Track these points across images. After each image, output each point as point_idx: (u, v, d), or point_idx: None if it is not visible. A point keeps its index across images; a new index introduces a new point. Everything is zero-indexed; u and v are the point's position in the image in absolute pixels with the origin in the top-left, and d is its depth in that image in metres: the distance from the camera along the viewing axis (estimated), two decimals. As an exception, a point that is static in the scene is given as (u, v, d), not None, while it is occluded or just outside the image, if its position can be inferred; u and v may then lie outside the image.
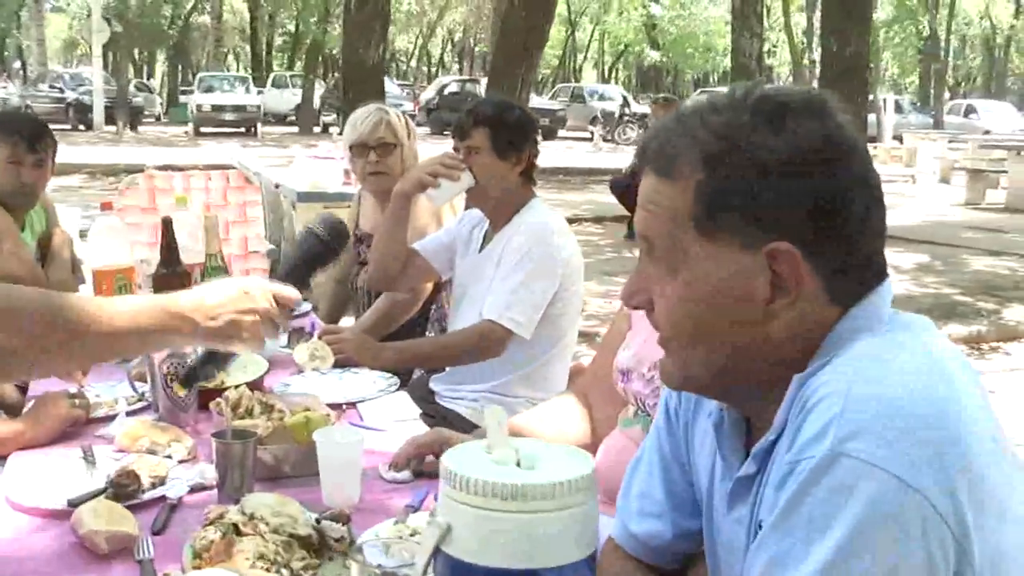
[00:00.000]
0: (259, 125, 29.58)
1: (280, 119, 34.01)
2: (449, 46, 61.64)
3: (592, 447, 2.26)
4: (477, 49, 58.79)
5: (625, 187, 11.65)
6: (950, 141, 22.48)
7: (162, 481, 1.94)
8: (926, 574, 0.97)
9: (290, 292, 1.71)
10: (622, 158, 18.64)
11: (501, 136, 3.07)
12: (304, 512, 1.71)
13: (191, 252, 3.20)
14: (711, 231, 1.12)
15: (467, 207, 3.39)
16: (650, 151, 1.19)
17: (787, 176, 1.09)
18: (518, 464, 1.14)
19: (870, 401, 1.01)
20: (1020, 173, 15.99)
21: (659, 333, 1.22)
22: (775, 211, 1.09)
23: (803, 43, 34.59)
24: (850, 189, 1.11)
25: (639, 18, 41.41)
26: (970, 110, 34.39)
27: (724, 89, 1.22)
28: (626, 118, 31.21)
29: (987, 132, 27.08)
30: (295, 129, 31.06)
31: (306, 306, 3.66)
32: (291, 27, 42.03)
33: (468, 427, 2.92)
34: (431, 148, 4.24)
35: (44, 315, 1.47)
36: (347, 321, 4.20)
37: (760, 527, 1.12)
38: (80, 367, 1.79)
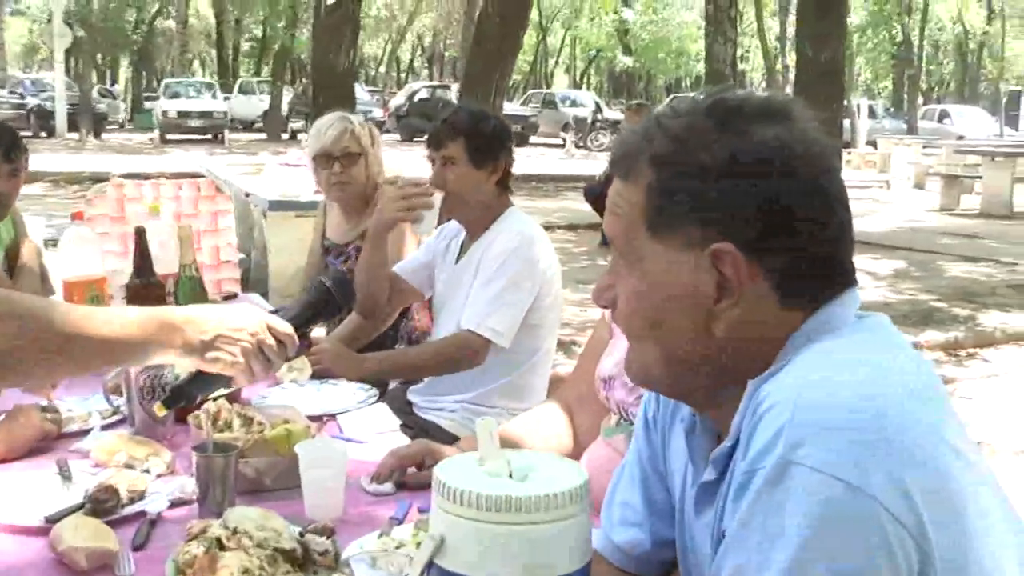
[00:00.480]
0: (226, 132, 29.48)
1: (247, 126, 33.92)
2: (419, 51, 61.65)
3: (574, 456, 2.27)
4: (447, 54, 58.84)
5: (599, 194, 11.67)
6: (924, 146, 22.71)
7: (141, 496, 1.93)
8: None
9: (286, 327, 1.71)
10: (595, 165, 18.74)
11: (477, 146, 3.08)
12: (288, 526, 1.71)
13: (164, 262, 3.19)
14: (660, 231, 1.16)
15: (440, 220, 3.41)
16: (615, 156, 1.24)
17: (732, 178, 1.12)
18: (510, 475, 1.15)
19: (819, 407, 1.02)
20: (995, 179, 16.18)
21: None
22: (718, 212, 1.13)
23: (776, 48, 34.85)
24: (801, 195, 1.13)
25: (611, 23, 41.61)
26: (944, 115, 34.77)
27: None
28: (598, 124, 31.32)
29: (961, 137, 27.40)
30: (263, 136, 30.95)
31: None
32: (258, 32, 41.89)
33: (448, 439, 2.92)
34: (401, 155, 4.27)
35: (41, 317, 1.47)
36: (319, 332, 4.20)
37: (723, 536, 1.13)
38: (70, 374, 1.79)
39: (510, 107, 30.63)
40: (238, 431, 2.12)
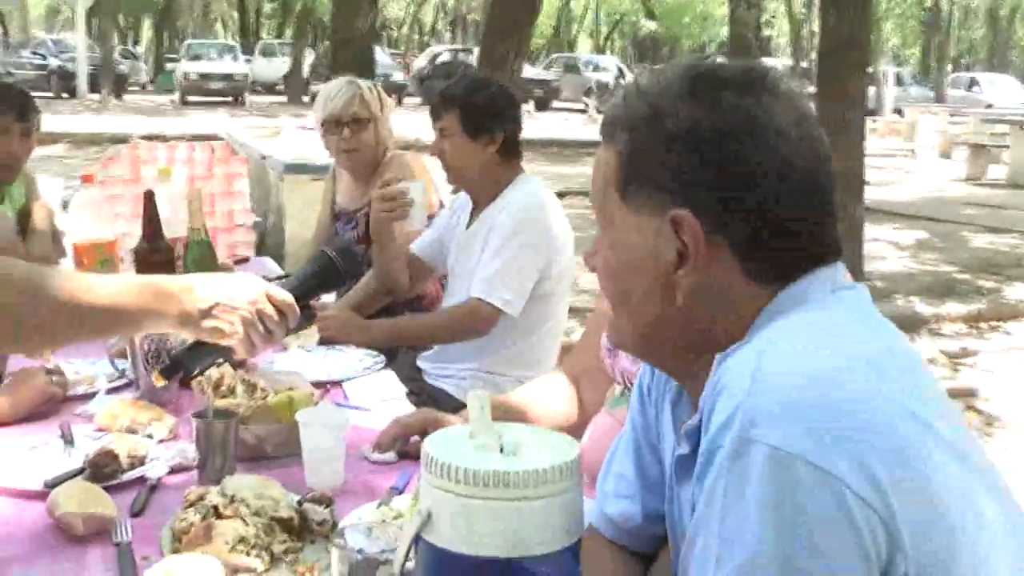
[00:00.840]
0: (247, 94, 29.44)
1: (268, 88, 33.84)
2: (441, 14, 61.29)
3: (580, 427, 2.26)
4: (470, 18, 58.44)
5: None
6: (951, 115, 22.45)
7: (141, 461, 1.93)
8: (857, 557, 0.95)
9: (286, 297, 1.69)
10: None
11: (472, 117, 3.06)
12: (286, 494, 1.71)
13: (175, 225, 3.18)
14: (628, 196, 1.18)
15: (454, 190, 3.38)
16: (604, 119, 1.25)
17: (694, 145, 1.11)
18: (501, 450, 1.14)
19: (778, 383, 1.00)
20: (1023, 148, 15.97)
21: None
22: (679, 179, 1.13)
23: (803, 14, 34.48)
24: (767, 167, 1.11)
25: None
26: (973, 83, 34.29)
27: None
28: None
29: (989, 106, 27.04)
30: (284, 98, 30.90)
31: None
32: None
33: (456, 405, 2.91)
34: (423, 118, 4.21)
35: (36, 284, 1.46)
36: (328, 297, 4.19)
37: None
38: (67, 341, 1.78)
39: (532, 71, 30.53)
40: (241, 397, 2.12)
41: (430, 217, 3.76)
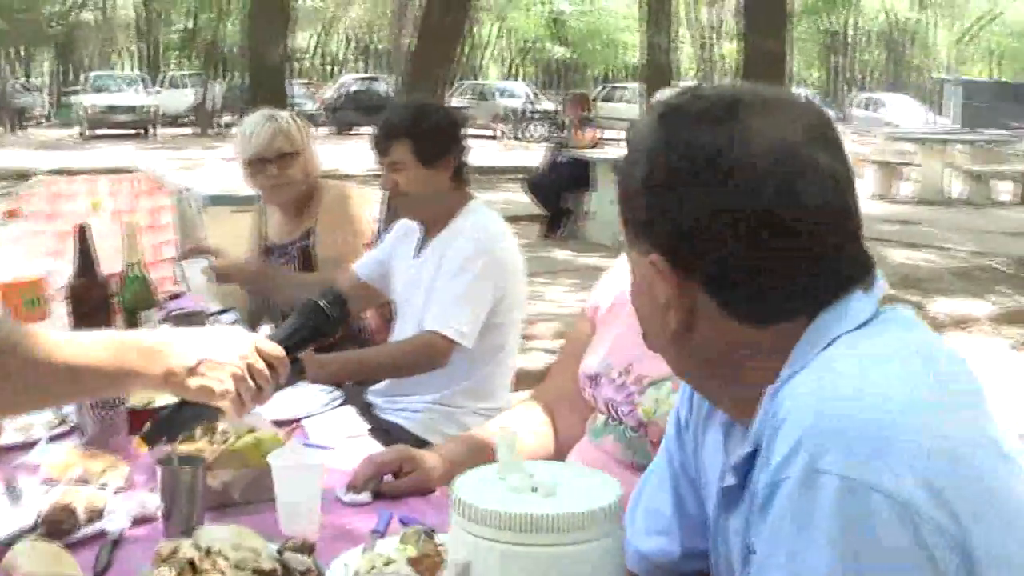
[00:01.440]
0: (155, 126, 28.90)
1: (176, 120, 33.25)
2: (349, 44, 61.11)
3: (557, 457, 2.19)
4: (378, 47, 58.33)
5: (540, 185, 11.67)
6: (856, 134, 22.98)
7: (99, 515, 1.80)
8: None
9: (276, 350, 1.58)
10: (531, 156, 18.62)
11: (424, 145, 2.98)
12: (266, 544, 1.60)
13: (107, 261, 3.04)
14: (627, 237, 1.18)
15: (388, 218, 3.31)
16: None
17: (657, 191, 1.11)
18: (534, 490, 1.06)
19: (839, 412, 0.97)
20: (931, 166, 16.42)
21: None
22: (651, 225, 1.12)
23: (709, 39, 35.10)
24: (738, 203, 1.06)
25: (543, 13, 41.46)
26: (875, 104, 35.25)
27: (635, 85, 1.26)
28: (533, 115, 31.18)
29: (889, 124, 27.79)
30: (191, 130, 30.38)
31: (232, 316, 3.52)
32: (184, 24, 41.13)
33: (412, 441, 2.82)
34: (335, 148, 4.14)
35: (3, 344, 1.33)
36: (265, 329, 4.06)
37: (752, 551, 1.08)
38: (36, 407, 1.62)
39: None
40: (201, 440, 2.00)
41: (366, 245, 3.68)
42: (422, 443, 2.98)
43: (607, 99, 31.91)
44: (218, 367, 1.48)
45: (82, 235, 2.84)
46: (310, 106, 30.52)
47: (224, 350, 1.49)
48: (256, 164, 3.57)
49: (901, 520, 0.92)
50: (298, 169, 3.60)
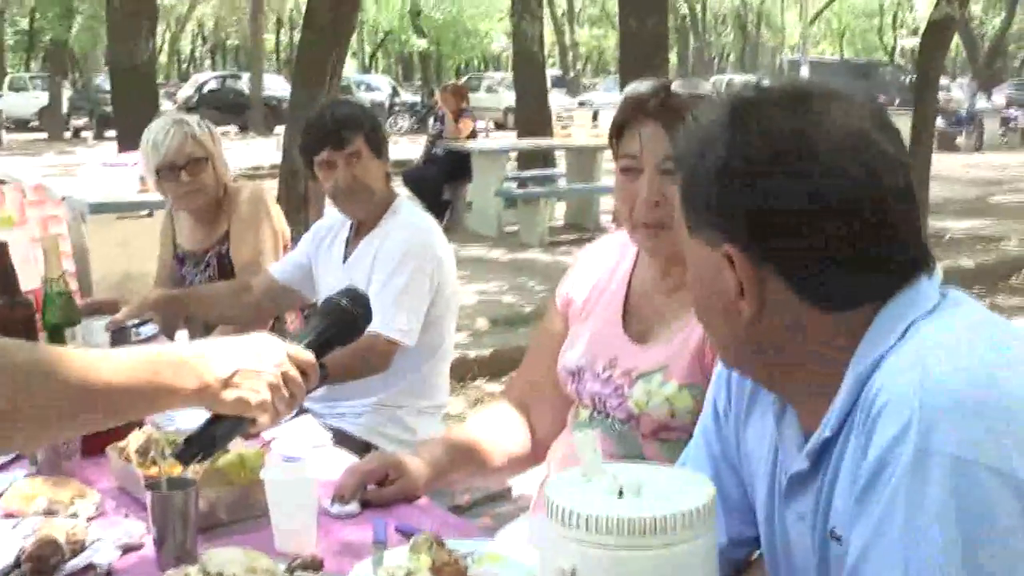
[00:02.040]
0: (1, 132, 27.66)
1: (23, 125, 31.88)
2: (200, 41, 59.70)
3: (532, 456, 2.18)
4: (229, 44, 57.15)
5: (417, 178, 11.60)
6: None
7: (82, 546, 1.70)
8: None
9: (308, 356, 1.52)
10: (399, 149, 18.50)
11: (374, 136, 2.99)
12: (276, 563, 1.55)
13: (25, 278, 2.89)
14: (692, 229, 1.18)
15: (310, 218, 3.24)
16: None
17: (730, 181, 1.11)
18: (620, 493, 1.05)
19: (945, 392, 0.99)
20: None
21: None
22: (724, 216, 1.12)
23: (563, 23, 35.39)
24: (813, 193, 1.08)
25: (399, 4, 41.17)
26: (729, 86, 36.14)
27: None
28: (396, 108, 31.01)
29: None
30: (42, 135, 29.18)
31: (152, 327, 3.39)
32: (25, 24, 39.46)
33: (356, 446, 2.78)
34: None
35: (41, 369, 1.24)
36: (182, 335, 3.94)
37: (835, 536, 1.10)
38: (71, 433, 1.50)
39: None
40: (168, 462, 1.91)
41: (285, 247, 3.60)
42: (366, 447, 2.94)
43: (470, 90, 31.90)
44: (254, 377, 1.42)
45: (1, 252, 2.69)
46: (167, 106, 29.70)
47: (258, 359, 1.43)
48: (166, 172, 3.44)
49: (1016, 497, 0.94)
50: (209, 174, 3.49)
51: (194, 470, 1.84)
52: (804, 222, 1.08)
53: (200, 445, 1.49)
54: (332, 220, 3.27)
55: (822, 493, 1.14)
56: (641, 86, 1.93)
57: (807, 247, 1.09)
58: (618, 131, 1.93)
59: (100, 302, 3.39)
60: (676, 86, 1.89)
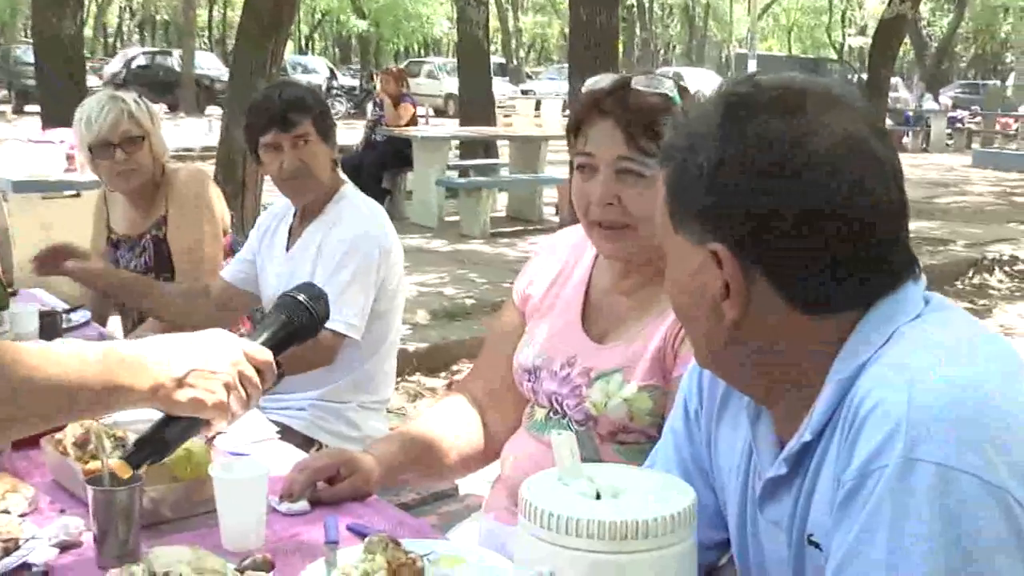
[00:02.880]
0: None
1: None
2: (127, 15, 58.77)
3: (485, 455, 2.18)
4: (159, 18, 56.31)
5: (357, 164, 11.52)
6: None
7: (16, 544, 1.67)
8: None
9: (265, 355, 1.49)
10: (339, 133, 18.37)
11: (321, 120, 2.97)
12: (224, 563, 1.53)
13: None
14: (676, 225, 1.18)
15: (247, 205, 3.20)
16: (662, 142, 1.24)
17: (724, 178, 1.11)
18: (597, 496, 1.05)
19: (932, 402, 1.01)
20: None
21: None
22: (714, 214, 1.13)
23: (507, 10, 35.33)
24: (807, 195, 1.09)
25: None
26: (676, 78, 36.34)
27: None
28: (334, 91, 30.77)
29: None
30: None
31: (84, 314, 3.33)
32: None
33: (299, 441, 2.76)
34: None
35: None
36: (114, 321, 3.88)
37: (813, 543, 1.12)
38: (19, 433, 1.47)
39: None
40: (112, 454, 1.88)
41: (225, 232, 3.55)
42: (309, 442, 2.93)
43: (410, 75, 31.77)
44: (210, 377, 1.39)
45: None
46: (92, 82, 29.19)
47: (214, 358, 1.41)
48: (100, 149, 3.39)
49: (996, 504, 0.96)
50: (146, 154, 3.44)
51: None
52: (797, 224, 1.09)
53: (152, 448, 1.46)
54: (276, 209, 3.24)
55: (799, 498, 1.15)
56: (601, 81, 1.92)
57: (798, 249, 1.10)
58: (575, 127, 1.92)
59: (63, 249, 3.34)
60: (637, 83, 1.88)
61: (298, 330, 1.64)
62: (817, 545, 1.12)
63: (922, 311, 1.13)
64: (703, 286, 1.16)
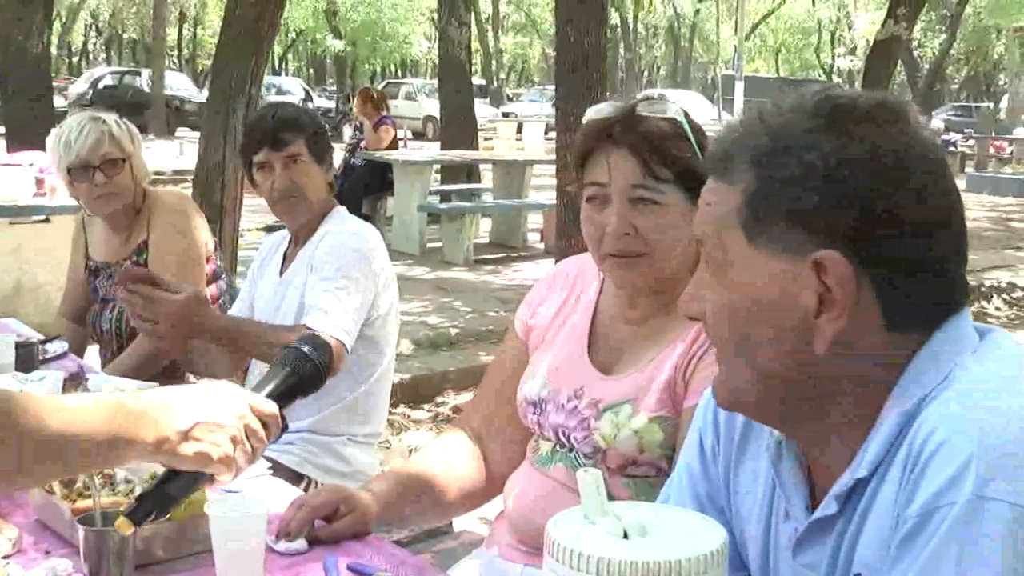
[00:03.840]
0: None
1: None
2: (93, 34, 58.78)
3: (487, 491, 2.18)
4: (126, 37, 56.32)
5: (338, 188, 11.50)
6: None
7: (4, 585, 1.66)
8: None
9: (270, 407, 1.49)
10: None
11: (315, 141, 2.99)
12: (223, 606, 1.52)
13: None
14: (757, 236, 1.14)
15: (225, 231, 3.20)
16: (712, 152, 1.21)
17: (838, 182, 1.10)
18: (625, 535, 1.05)
19: (1006, 438, 1.01)
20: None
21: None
22: (823, 218, 1.10)
23: (488, 30, 35.52)
24: (911, 203, 1.11)
25: (312, 2, 40.91)
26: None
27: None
28: (310, 113, 30.77)
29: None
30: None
31: (61, 345, 3.31)
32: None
33: (289, 476, 2.75)
34: None
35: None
36: (92, 351, 3.85)
37: None
38: (22, 486, 1.45)
39: (202, 97, 29.67)
40: (103, 493, 1.87)
41: (208, 259, 3.54)
42: (298, 477, 2.91)
43: (389, 96, 31.86)
44: (215, 430, 1.39)
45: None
46: (58, 103, 29.15)
47: (220, 410, 1.40)
48: (79, 172, 3.36)
49: None
50: (126, 176, 3.41)
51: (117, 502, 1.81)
52: (914, 229, 1.10)
53: (155, 502, 1.45)
54: (274, 239, 3.27)
55: (844, 539, 1.14)
56: (605, 109, 1.93)
57: (909, 256, 1.11)
58: (583, 158, 1.93)
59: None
60: (642, 109, 1.90)
61: (302, 381, 1.64)
62: None
63: (983, 343, 1.14)
64: (791, 301, 1.12)
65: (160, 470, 1.66)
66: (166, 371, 3.31)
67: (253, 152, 2.95)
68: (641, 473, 1.88)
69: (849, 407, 1.15)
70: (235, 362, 3.18)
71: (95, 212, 3.51)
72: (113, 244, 3.56)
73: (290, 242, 3.14)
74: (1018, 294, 10.03)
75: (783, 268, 1.12)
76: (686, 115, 1.90)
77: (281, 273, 3.11)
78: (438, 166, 12.82)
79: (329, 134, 3.13)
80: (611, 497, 1.82)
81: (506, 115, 30.79)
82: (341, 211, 3.10)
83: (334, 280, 2.88)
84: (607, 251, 1.88)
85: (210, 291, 3.46)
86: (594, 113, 1.94)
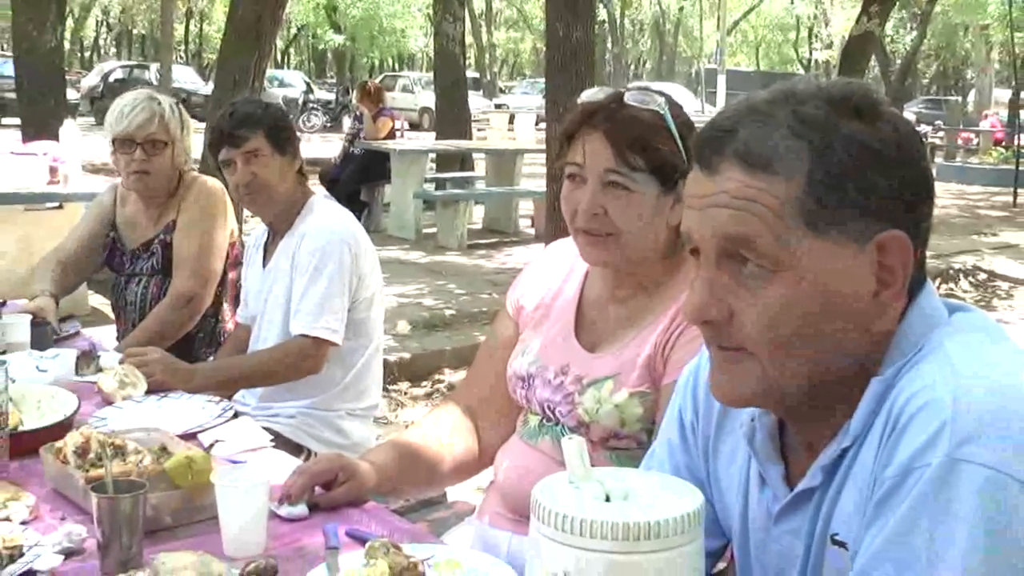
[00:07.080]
0: None
1: None
2: (104, 29, 58.49)
3: (479, 462, 2.19)
4: (136, 32, 56.05)
5: (336, 178, 11.50)
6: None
7: (20, 551, 1.66)
8: None
9: None
10: (313, 147, 18.34)
11: (277, 133, 2.97)
12: (229, 568, 1.53)
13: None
14: (822, 227, 1.09)
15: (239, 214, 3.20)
16: (743, 145, 1.12)
17: (892, 165, 1.11)
18: (607, 498, 1.06)
19: (981, 402, 1.01)
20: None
21: (738, 344, 1.15)
22: (889, 200, 1.10)
23: (481, 25, 35.38)
24: (923, 182, 1.15)
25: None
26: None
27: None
28: (310, 105, 30.71)
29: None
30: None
31: (74, 324, 3.31)
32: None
33: (289, 447, 2.76)
34: (97, 140, 3.90)
35: None
36: (108, 330, 3.84)
37: (837, 542, 1.11)
38: None
39: (207, 90, 29.56)
40: (115, 463, 1.88)
41: (232, 245, 3.53)
42: (298, 449, 2.93)
43: (386, 89, 31.77)
44: None
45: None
46: (70, 95, 29.00)
47: None
48: (122, 143, 3.33)
49: None
50: (165, 159, 3.37)
51: (138, 472, 1.82)
52: (929, 204, 1.15)
53: None
54: (255, 233, 3.27)
55: (823, 503, 1.15)
56: (597, 94, 1.94)
57: (928, 227, 1.16)
58: (568, 137, 1.94)
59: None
60: (630, 98, 1.90)
61: None
62: (842, 544, 1.11)
63: (956, 316, 1.16)
64: (856, 285, 1.11)
65: (172, 446, 1.67)
66: (178, 344, 3.30)
67: (216, 151, 2.95)
68: (623, 446, 1.90)
69: (844, 383, 1.14)
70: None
71: (128, 185, 3.47)
72: (143, 222, 3.51)
73: (269, 235, 3.14)
74: (983, 276, 10.06)
75: (847, 255, 1.10)
76: (674, 109, 1.89)
77: (264, 265, 3.11)
78: (433, 155, 12.82)
79: (292, 125, 3.09)
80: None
81: (499, 107, 30.78)
82: (318, 202, 3.09)
83: (315, 281, 2.90)
84: (578, 226, 1.89)
85: (231, 276, 3.47)
86: (586, 97, 1.94)
